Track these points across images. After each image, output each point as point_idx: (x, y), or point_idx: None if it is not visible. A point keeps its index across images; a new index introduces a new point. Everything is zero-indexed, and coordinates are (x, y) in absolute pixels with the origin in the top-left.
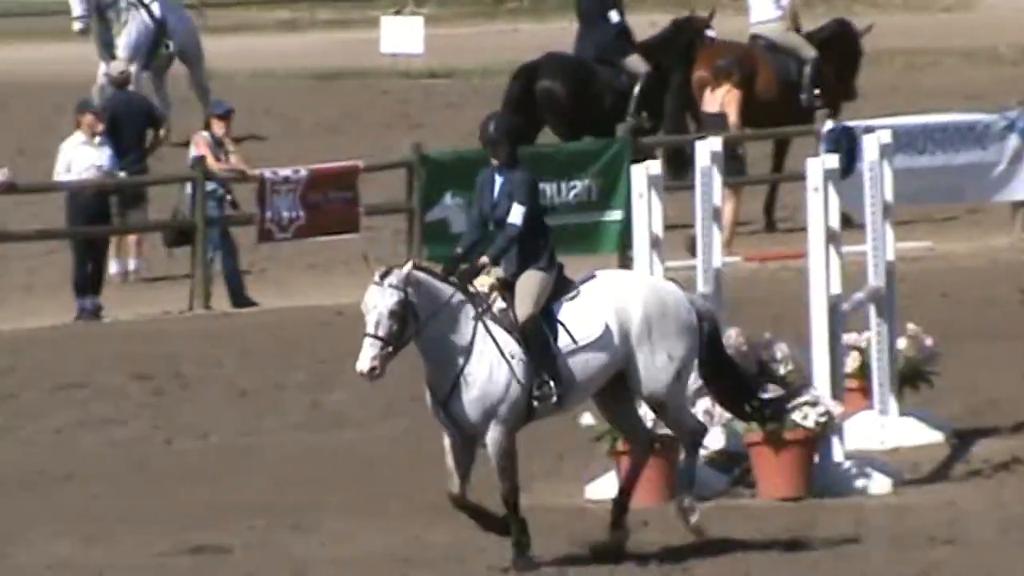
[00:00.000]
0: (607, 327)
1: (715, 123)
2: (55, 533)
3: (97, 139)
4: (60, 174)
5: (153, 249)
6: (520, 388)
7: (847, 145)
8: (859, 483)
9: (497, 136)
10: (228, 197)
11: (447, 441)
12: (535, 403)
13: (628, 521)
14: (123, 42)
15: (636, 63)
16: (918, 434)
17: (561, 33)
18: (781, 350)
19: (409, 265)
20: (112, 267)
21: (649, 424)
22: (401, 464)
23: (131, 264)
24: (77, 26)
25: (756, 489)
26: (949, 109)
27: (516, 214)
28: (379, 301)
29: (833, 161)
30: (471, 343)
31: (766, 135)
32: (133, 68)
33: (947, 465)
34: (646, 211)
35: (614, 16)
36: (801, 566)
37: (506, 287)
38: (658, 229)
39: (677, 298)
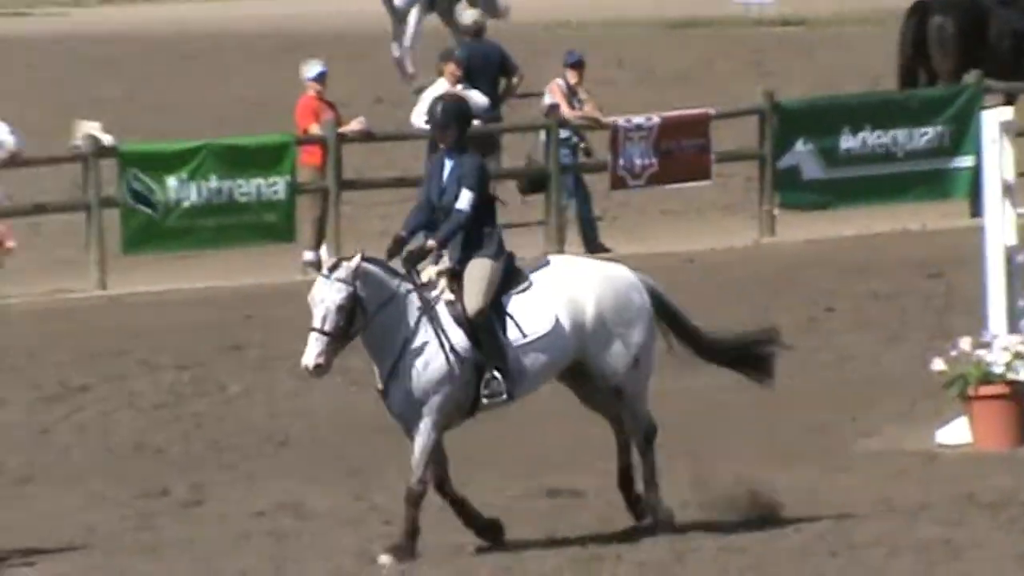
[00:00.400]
0: (558, 321)
1: None
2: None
3: (459, 87)
4: (419, 121)
5: (508, 196)
6: (456, 383)
7: None
8: None
9: (445, 119)
10: (581, 145)
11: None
12: (484, 399)
13: (650, 503)
14: None
15: None
16: None
17: None
18: None
19: (358, 258)
20: None
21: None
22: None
23: None
24: None
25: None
26: None
27: (464, 200)
28: (327, 295)
29: (1008, 113)
30: (413, 334)
31: None
32: (414, 12)
33: None
34: (997, 157)
35: None
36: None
37: (453, 277)
38: (1009, 176)
39: (629, 284)
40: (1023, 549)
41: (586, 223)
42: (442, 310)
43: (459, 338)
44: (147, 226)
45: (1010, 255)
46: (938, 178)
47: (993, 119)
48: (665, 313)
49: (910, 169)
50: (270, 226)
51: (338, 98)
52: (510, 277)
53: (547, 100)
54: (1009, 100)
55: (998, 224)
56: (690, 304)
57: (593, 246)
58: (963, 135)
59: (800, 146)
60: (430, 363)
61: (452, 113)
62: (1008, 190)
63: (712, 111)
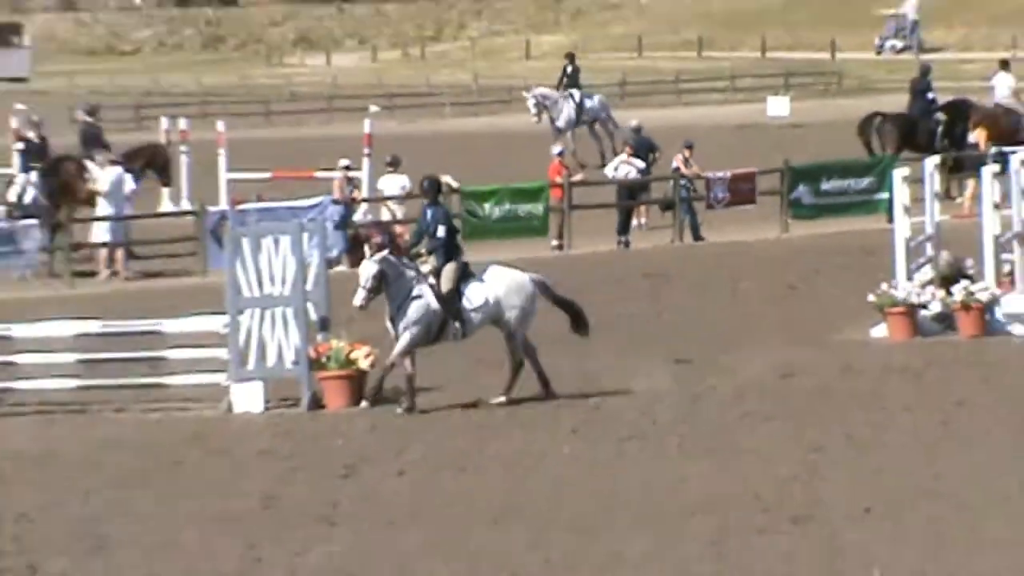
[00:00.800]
0: (487, 299)
1: None
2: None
3: (630, 157)
4: (610, 173)
5: (655, 212)
6: (428, 320)
7: None
8: (1009, 328)
9: (428, 187)
10: (691, 186)
11: (402, 340)
12: (444, 333)
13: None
14: (562, 119)
15: None
16: None
17: None
18: (967, 262)
19: (383, 253)
20: None
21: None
22: None
23: None
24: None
25: (958, 332)
26: None
27: (440, 231)
28: (368, 269)
29: (905, 171)
30: (411, 293)
31: None
32: (570, 132)
33: None
34: (900, 192)
35: None
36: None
37: (436, 273)
38: (906, 201)
39: (522, 280)
40: (912, 397)
41: (693, 227)
42: (426, 289)
43: (434, 302)
44: (475, 228)
45: (906, 243)
46: (871, 203)
47: (899, 174)
48: (547, 293)
49: (858, 199)
50: (536, 228)
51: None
52: (465, 272)
53: (673, 164)
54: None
55: (901, 226)
56: (742, 262)
57: (697, 238)
58: (883, 181)
59: (801, 187)
60: (418, 307)
61: (431, 185)
62: (906, 210)
63: (756, 169)
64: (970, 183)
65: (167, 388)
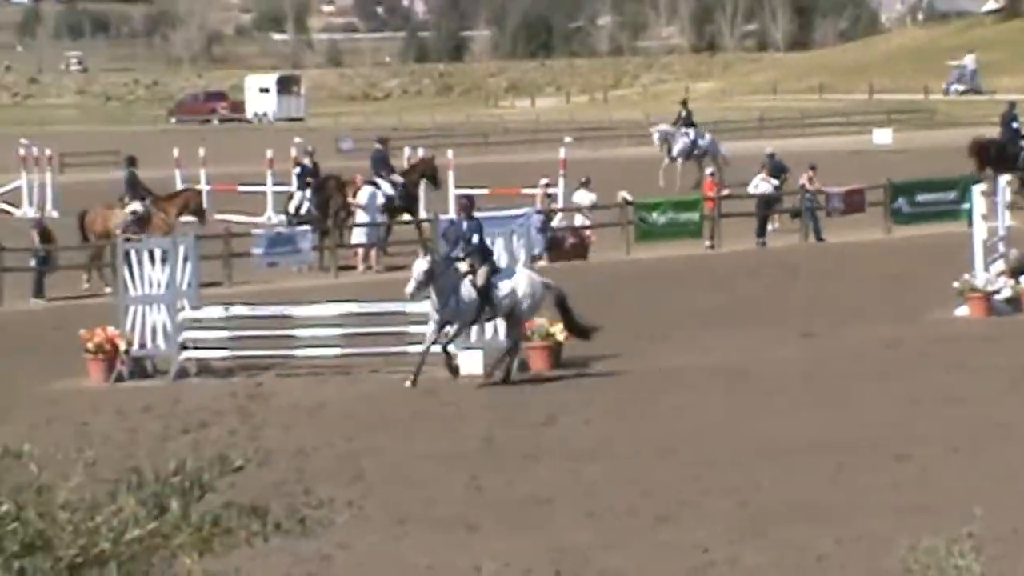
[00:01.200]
0: (511, 290)
1: None
2: None
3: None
4: (752, 189)
5: (785, 220)
6: (469, 310)
7: None
8: None
9: (465, 204)
10: (815, 199)
11: (431, 327)
12: (481, 315)
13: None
14: (677, 149)
15: None
16: None
17: None
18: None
19: (432, 254)
20: None
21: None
22: None
23: None
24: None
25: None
26: None
27: (475, 239)
28: (419, 265)
29: (983, 186)
30: (456, 287)
31: None
32: (680, 160)
33: None
34: (980, 204)
35: None
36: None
37: (472, 271)
38: (984, 210)
39: (537, 281)
40: (988, 361)
41: (816, 231)
42: (467, 283)
43: (472, 295)
44: (644, 231)
45: (983, 243)
46: (956, 212)
47: (978, 188)
48: (552, 295)
49: (945, 209)
50: (692, 231)
51: None
52: (494, 272)
53: (800, 182)
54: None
55: (979, 230)
56: (855, 258)
57: (819, 239)
58: (965, 194)
59: (900, 199)
60: (462, 301)
61: (468, 203)
62: (983, 217)
63: (865, 185)
64: None
65: (408, 355)
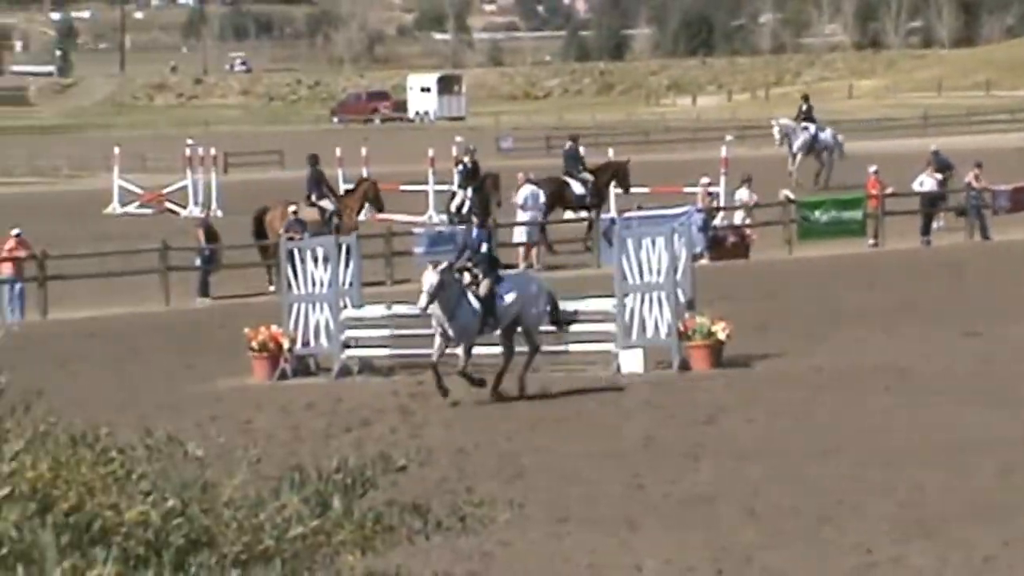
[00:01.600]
0: (515, 297)
1: None
2: None
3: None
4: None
5: (950, 217)
6: (474, 322)
7: None
8: None
9: (478, 212)
10: (981, 196)
11: (437, 340)
12: (484, 328)
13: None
14: (797, 144)
15: None
16: None
17: None
18: None
19: (444, 264)
20: None
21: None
22: None
23: None
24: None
25: None
26: None
27: (483, 248)
28: (429, 278)
29: None
30: (461, 301)
31: None
32: (800, 155)
33: None
34: None
35: None
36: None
37: (475, 282)
38: None
39: (541, 284)
40: None
41: (982, 229)
42: (470, 296)
43: (477, 305)
44: (807, 230)
45: None
46: None
47: None
48: (552, 305)
49: None
50: (855, 230)
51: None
52: (497, 280)
53: (966, 179)
54: None
55: None
56: (1022, 257)
57: (985, 238)
58: None
59: None
60: (466, 314)
61: (479, 211)
62: None
63: None
64: None
65: (570, 353)
